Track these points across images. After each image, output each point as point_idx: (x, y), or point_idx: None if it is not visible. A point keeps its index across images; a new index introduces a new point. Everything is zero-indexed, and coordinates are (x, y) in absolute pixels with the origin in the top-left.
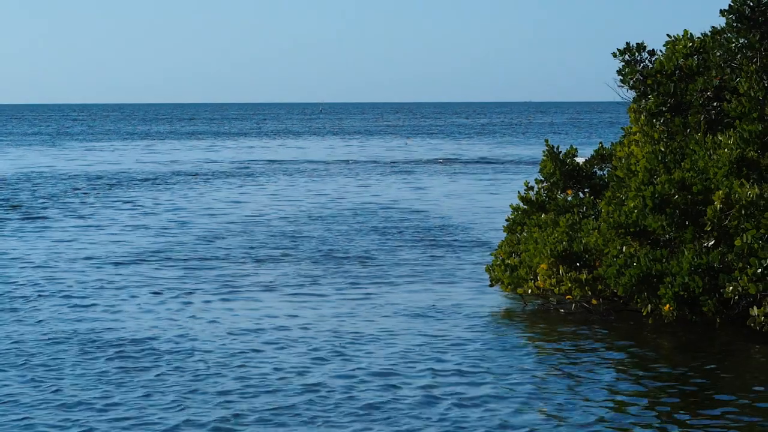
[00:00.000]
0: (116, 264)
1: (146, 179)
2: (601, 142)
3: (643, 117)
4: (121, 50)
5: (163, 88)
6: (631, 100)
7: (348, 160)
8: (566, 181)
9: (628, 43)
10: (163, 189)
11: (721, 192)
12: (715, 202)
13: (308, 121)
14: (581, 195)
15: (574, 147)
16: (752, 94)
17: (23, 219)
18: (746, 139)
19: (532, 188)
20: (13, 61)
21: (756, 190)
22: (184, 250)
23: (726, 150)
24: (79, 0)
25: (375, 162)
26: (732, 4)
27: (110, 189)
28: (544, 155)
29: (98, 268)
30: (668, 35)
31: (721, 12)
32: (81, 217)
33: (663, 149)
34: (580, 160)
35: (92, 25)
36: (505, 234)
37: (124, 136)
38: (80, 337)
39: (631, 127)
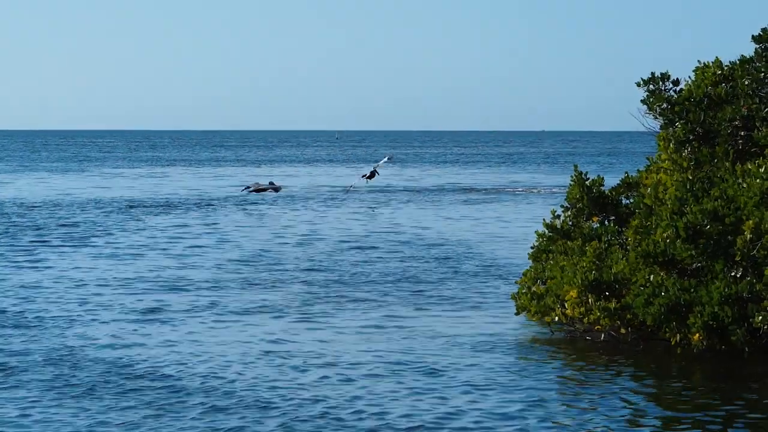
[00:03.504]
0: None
1: (179, 205)
2: (627, 173)
3: (672, 145)
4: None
5: (176, 114)
6: (659, 128)
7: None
8: (592, 209)
9: (652, 73)
10: (196, 214)
11: (751, 222)
12: (745, 232)
13: (331, 147)
14: (606, 223)
15: (601, 176)
16: None
17: (38, 244)
18: None
19: (558, 217)
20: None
21: None
22: (233, 275)
23: (757, 180)
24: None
25: (392, 189)
26: (762, 33)
27: (144, 215)
28: (571, 181)
29: (127, 294)
30: (699, 61)
31: (753, 38)
32: (112, 243)
33: (691, 177)
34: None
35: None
36: (529, 261)
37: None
38: (110, 366)
39: (660, 155)
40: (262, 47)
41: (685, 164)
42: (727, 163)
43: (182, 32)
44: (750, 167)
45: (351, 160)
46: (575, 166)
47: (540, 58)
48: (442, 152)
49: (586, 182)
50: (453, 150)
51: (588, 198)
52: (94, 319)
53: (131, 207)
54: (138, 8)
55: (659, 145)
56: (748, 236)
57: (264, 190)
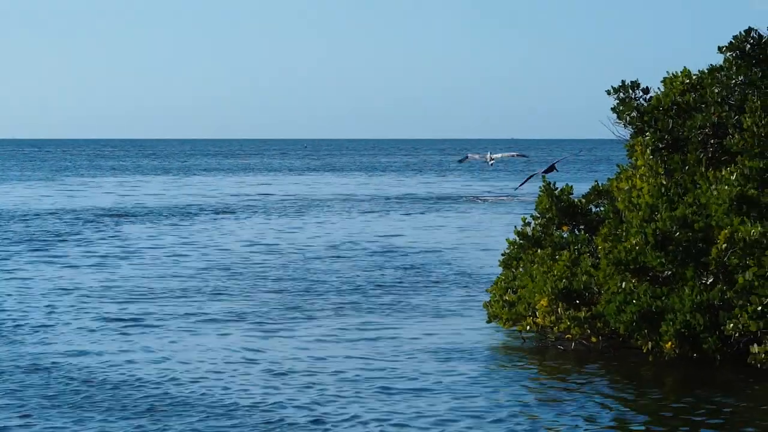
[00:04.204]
0: (114, 301)
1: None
2: (596, 181)
3: (649, 150)
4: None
5: (138, 123)
6: (629, 136)
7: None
8: (562, 218)
9: (623, 81)
10: (171, 224)
11: (726, 231)
12: (720, 242)
13: (300, 158)
14: (576, 232)
15: (569, 185)
16: (755, 130)
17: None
18: (747, 176)
19: (529, 224)
20: None
21: (759, 228)
22: (207, 284)
23: (727, 187)
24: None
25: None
26: (733, 41)
27: (113, 224)
28: (540, 191)
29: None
30: (667, 71)
31: (719, 48)
32: (92, 251)
33: (664, 182)
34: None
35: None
36: (500, 269)
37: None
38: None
39: (636, 160)
40: (261, 47)
41: (661, 170)
42: (701, 169)
43: (183, 32)
44: (724, 173)
45: (317, 169)
46: (543, 177)
47: (539, 60)
48: (423, 160)
49: (555, 192)
50: (434, 158)
51: (557, 208)
52: (67, 329)
53: (103, 216)
54: (138, 8)
55: (635, 150)
56: (723, 245)
57: (552, 168)
